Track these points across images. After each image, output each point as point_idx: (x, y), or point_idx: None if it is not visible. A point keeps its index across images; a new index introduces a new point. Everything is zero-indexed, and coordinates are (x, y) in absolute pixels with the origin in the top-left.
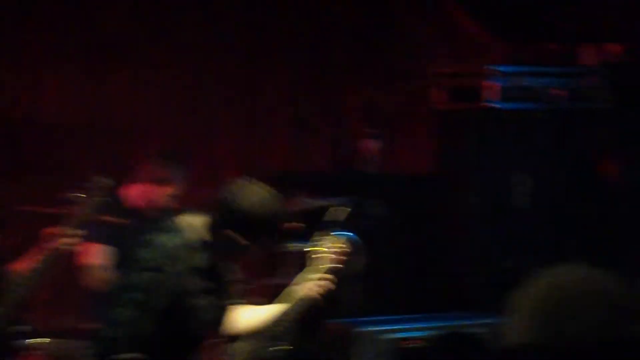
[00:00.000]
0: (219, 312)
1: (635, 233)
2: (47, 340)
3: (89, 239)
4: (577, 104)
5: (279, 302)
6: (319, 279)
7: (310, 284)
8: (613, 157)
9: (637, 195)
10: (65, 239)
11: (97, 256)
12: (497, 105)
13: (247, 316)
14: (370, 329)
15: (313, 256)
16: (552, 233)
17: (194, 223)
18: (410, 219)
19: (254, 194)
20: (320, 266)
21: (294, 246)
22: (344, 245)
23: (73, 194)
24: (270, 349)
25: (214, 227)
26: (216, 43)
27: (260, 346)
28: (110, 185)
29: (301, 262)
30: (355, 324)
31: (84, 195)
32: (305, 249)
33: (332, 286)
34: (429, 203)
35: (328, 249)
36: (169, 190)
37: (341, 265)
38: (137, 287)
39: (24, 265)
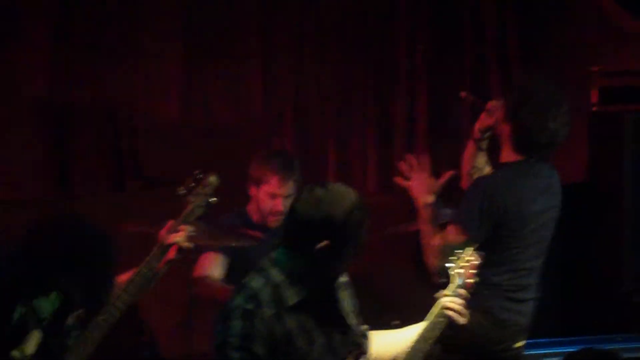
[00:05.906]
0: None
1: None
2: None
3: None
4: None
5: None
6: (455, 295)
7: (447, 302)
8: None
9: None
10: (173, 233)
11: (210, 266)
12: None
13: (386, 342)
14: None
15: (451, 273)
16: None
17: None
18: (561, 231)
19: (341, 195)
20: (456, 282)
21: None
22: (473, 258)
23: (181, 191)
24: None
25: (302, 250)
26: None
27: None
28: (218, 184)
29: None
30: None
31: (193, 192)
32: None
33: (465, 301)
34: (582, 213)
35: (464, 263)
36: (268, 188)
37: (472, 280)
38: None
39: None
